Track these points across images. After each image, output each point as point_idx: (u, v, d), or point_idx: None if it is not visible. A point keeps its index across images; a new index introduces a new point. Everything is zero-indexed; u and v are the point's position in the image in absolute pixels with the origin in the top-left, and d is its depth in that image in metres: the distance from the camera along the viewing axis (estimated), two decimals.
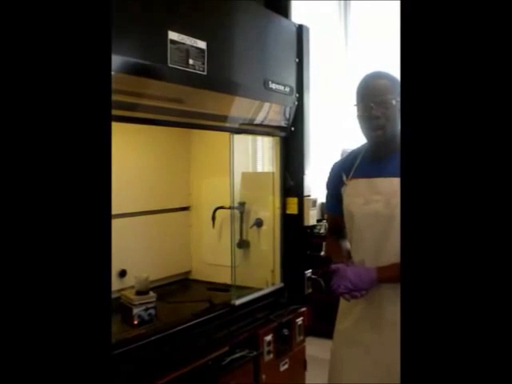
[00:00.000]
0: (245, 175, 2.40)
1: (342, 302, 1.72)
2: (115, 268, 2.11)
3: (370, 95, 1.56)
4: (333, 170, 1.80)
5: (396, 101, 1.54)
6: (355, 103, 1.61)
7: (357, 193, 1.63)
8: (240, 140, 2.16)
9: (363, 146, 1.72)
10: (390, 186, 1.55)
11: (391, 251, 1.54)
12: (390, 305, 1.55)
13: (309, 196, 2.26)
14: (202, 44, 1.63)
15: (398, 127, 1.59)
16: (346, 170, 1.70)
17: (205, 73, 1.65)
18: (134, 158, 2.22)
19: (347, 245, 1.75)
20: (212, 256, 2.54)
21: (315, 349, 2.68)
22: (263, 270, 2.31)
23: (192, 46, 1.60)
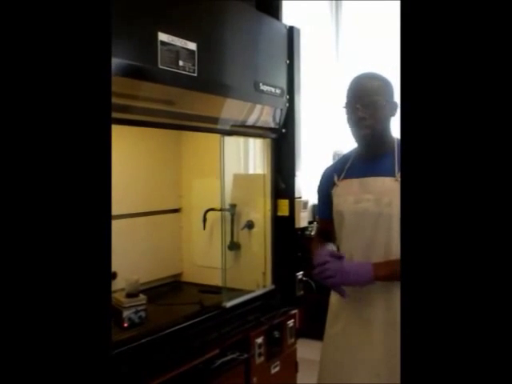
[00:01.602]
0: (236, 177, 2.40)
1: (332, 305, 1.72)
2: None
3: (357, 96, 1.57)
4: (324, 173, 1.81)
5: (384, 102, 1.54)
6: (344, 105, 1.62)
7: (348, 192, 1.64)
8: (231, 142, 2.16)
9: (355, 148, 1.72)
10: (382, 185, 1.56)
11: (381, 249, 1.55)
12: (380, 307, 1.55)
13: (300, 198, 2.26)
14: (192, 45, 1.63)
15: (388, 127, 1.60)
16: (337, 172, 1.71)
17: (195, 74, 1.65)
18: (124, 159, 2.21)
19: (332, 247, 1.76)
20: (203, 258, 2.53)
21: (306, 351, 2.67)
22: (254, 272, 2.31)
23: (182, 48, 1.59)
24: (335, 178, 1.70)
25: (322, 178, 1.81)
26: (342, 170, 1.70)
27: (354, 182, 1.64)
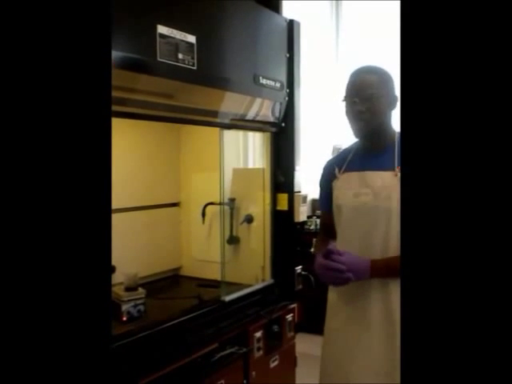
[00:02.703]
0: (235, 171, 2.39)
1: (331, 301, 1.72)
2: None
3: (355, 90, 1.56)
4: (326, 166, 1.80)
5: (381, 95, 1.54)
6: (343, 98, 1.62)
7: (347, 186, 1.64)
8: (231, 136, 2.15)
9: (356, 142, 1.72)
10: (380, 180, 1.55)
11: (379, 243, 1.54)
12: (379, 305, 1.55)
13: (299, 192, 2.25)
14: (191, 38, 1.62)
15: (387, 121, 1.59)
16: (338, 164, 1.71)
17: (194, 67, 1.64)
18: (123, 153, 2.20)
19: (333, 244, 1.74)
20: (202, 252, 2.53)
21: (305, 345, 2.68)
22: (253, 267, 2.31)
23: (181, 41, 1.58)
24: (336, 171, 1.70)
25: (324, 170, 1.80)
26: (343, 163, 1.69)
27: (354, 176, 1.64)
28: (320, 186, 1.82)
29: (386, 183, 1.53)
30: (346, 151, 1.75)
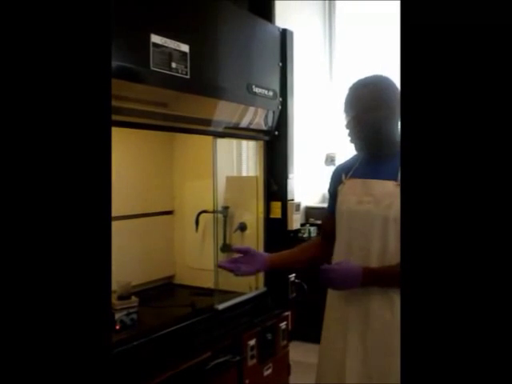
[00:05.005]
0: (229, 179, 2.40)
1: (330, 308, 1.71)
2: None
3: (346, 107, 1.62)
4: (334, 171, 1.83)
5: (371, 108, 1.56)
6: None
7: (351, 192, 1.65)
8: (224, 144, 2.16)
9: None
10: (383, 188, 1.57)
11: (376, 250, 1.55)
12: (380, 313, 1.55)
13: (292, 200, 2.26)
14: (185, 47, 1.63)
15: (388, 131, 1.59)
16: (345, 170, 1.73)
17: (188, 76, 1.65)
18: (116, 161, 2.19)
19: (325, 249, 1.77)
20: (195, 260, 2.53)
21: (299, 353, 2.68)
22: None
23: (175, 50, 1.59)
24: (343, 177, 1.72)
25: (333, 175, 1.83)
26: (350, 169, 1.72)
27: (358, 183, 1.65)
28: (328, 192, 1.86)
29: (388, 192, 1.54)
30: (355, 157, 1.77)
